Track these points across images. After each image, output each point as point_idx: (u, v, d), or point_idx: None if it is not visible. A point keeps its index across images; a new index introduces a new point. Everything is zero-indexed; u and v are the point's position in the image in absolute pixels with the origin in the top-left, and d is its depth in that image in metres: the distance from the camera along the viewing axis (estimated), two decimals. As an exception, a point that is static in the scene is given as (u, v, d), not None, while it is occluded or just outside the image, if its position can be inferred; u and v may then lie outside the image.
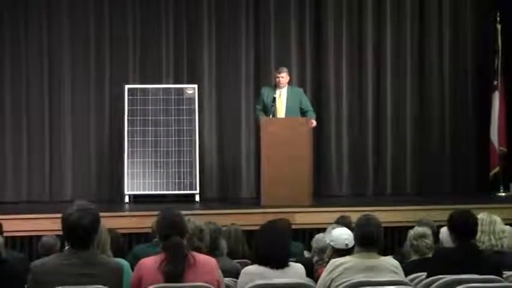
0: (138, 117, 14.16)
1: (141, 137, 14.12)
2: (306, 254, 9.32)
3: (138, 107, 14.17)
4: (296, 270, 6.49)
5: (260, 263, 6.30)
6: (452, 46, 15.63)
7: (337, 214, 10.05)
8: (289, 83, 13.44)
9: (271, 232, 6.57)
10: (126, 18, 15.57)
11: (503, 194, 13.98)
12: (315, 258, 8.54)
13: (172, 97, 14.21)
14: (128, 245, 9.54)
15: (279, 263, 6.18)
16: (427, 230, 8.24)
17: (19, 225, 10.82)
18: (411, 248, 8.16)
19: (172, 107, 14.09)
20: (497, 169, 14.40)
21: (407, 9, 15.53)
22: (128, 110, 14.08)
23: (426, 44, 15.58)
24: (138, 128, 14.08)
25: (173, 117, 14.10)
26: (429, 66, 15.56)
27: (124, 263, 6.55)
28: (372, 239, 6.45)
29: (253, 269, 6.42)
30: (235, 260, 7.61)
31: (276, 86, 13.18)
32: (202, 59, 15.23)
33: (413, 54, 15.55)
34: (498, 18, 14.81)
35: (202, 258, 6.03)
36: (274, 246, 6.37)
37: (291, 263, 6.64)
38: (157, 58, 15.38)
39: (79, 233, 5.51)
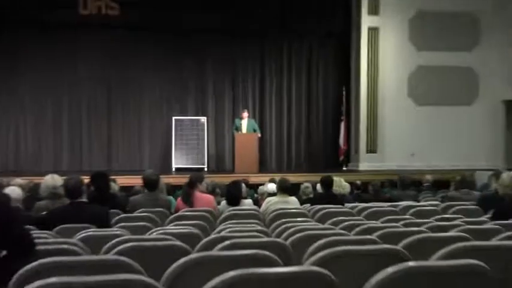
0: (185, 136, 15.54)
1: (193, 145, 15.54)
2: (255, 195, 10.29)
3: (184, 135, 15.48)
4: (246, 204, 7.24)
5: (227, 202, 7.05)
6: (315, 99, 17.12)
7: (269, 177, 11.11)
8: (248, 116, 14.94)
9: (230, 186, 7.31)
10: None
11: (345, 169, 15.65)
12: (259, 197, 9.75)
13: (199, 123, 15.73)
14: (174, 190, 9.78)
15: (234, 202, 6.91)
16: (308, 184, 9.50)
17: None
18: (302, 193, 9.26)
19: (195, 127, 15.59)
20: (342, 157, 16.25)
21: (293, 79, 17.03)
22: (176, 134, 15.37)
23: (302, 96, 17.05)
24: (183, 144, 15.55)
25: (196, 135, 15.60)
26: (305, 108, 17.09)
27: (171, 198, 7.41)
28: (287, 188, 7.56)
29: (222, 203, 7.26)
30: (223, 198, 7.89)
31: (241, 118, 14.85)
32: (207, 103, 16.60)
33: (298, 103, 17.05)
34: (344, 86, 16.60)
35: (206, 195, 6.94)
36: (231, 191, 7.14)
37: (243, 200, 7.34)
38: (186, 99, 16.46)
39: (152, 182, 6.67)
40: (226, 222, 5.06)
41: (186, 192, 6.85)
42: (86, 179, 5.89)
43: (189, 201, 6.67)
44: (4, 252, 3.01)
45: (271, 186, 9.25)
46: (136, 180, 10.13)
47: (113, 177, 8.17)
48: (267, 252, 2.64)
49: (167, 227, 4.67)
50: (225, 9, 15.51)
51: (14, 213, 3.18)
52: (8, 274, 2.48)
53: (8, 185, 6.77)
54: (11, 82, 15.44)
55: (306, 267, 2.56)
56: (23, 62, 15.45)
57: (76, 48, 15.51)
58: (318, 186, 8.77)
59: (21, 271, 2.46)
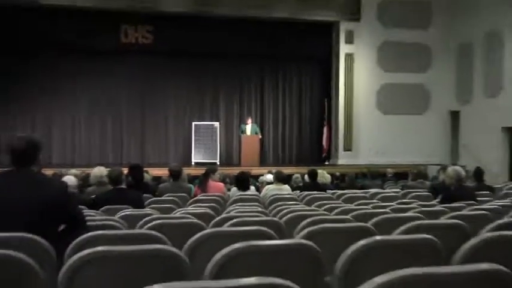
0: (202, 137, 15.32)
1: (208, 144, 15.30)
2: (257, 183, 10.10)
3: (201, 136, 15.33)
4: (252, 190, 7.20)
5: (237, 187, 6.93)
6: (304, 109, 16.94)
7: (267, 170, 11.26)
8: (251, 122, 14.99)
9: (239, 175, 7.12)
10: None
11: (327, 163, 15.45)
12: (259, 185, 9.67)
13: (213, 127, 15.47)
14: (192, 180, 9.24)
15: (244, 187, 6.68)
16: (298, 175, 9.56)
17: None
18: (293, 182, 9.29)
19: (210, 130, 15.35)
20: (324, 154, 16.12)
21: (286, 93, 16.86)
22: (195, 135, 15.20)
23: (293, 106, 16.87)
24: (201, 143, 15.27)
25: (210, 136, 15.33)
26: (295, 117, 16.91)
27: (191, 186, 7.17)
28: (282, 178, 7.37)
29: (233, 189, 7.21)
30: (232, 185, 7.88)
31: (246, 123, 14.92)
32: (220, 112, 16.46)
33: (290, 112, 16.86)
34: (326, 99, 16.41)
35: (217, 183, 6.90)
36: (240, 179, 6.89)
37: (251, 187, 7.28)
38: (203, 108, 16.28)
39: (176, 173, 6.54)
40: (234, 205, 5.02)
41: (202, 181, 6.78)
42: (125, 170, 5.89)
43: (204, 187, 6.58)
44: (62, 227, 3.01)
45: (269, 177, 9.25)
46: (164, 172, 9.98)
47: (146, 169, 8.10)
48: (265, 228, 2.63)
49: (188, 208, 4.63)
50: (234, 42, 15.57)
51: (70, 197, 3.18)
52: (65, 243, 2.48)
53: (66, 174, 6.85)
54: (69, 94, 15.54)
55: (296, 240, 2.56)
56: (79, 79, 15.57)
57: (119, 67, 15.52)
58: (306, 177, 8.71)
59: (75, 241, 2.47)
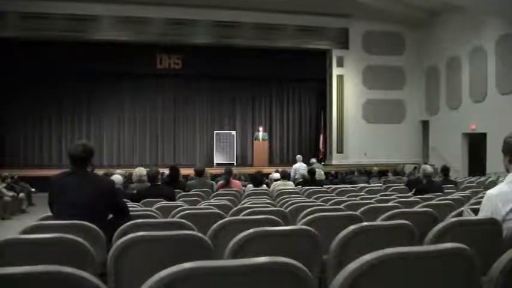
0: (222, 142, 15.28)
1: (227, 148, 15.25)
2: (266, 180, 9.50)
3: (221, 142, 15.31)
4: (264, 186, 6.90)
5: (252, 184, 6.86)
6: (304, 120, 16.79)
7: (275, 169, 10.79)
8: (262, 130, 15.09)
9: (254, 175, 7.04)
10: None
11: (323, 163, 14.90)
12: (269, 181, 9.26)
13: (231, 135, 15.35)
14: (214, 177, 9.16)
15: (258, 184, 6.60)
16: (305, 171, 9.10)
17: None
18: (295, 178, 9.41)
19: (228, 137, 15.30)
20: (321, 156, 15.86)
21: (290, 107, 16.76)
22: (216, 141, 15.18)
23: (296, 118, 16.76)
24: (221, 148, 15.22)
25: (229, 142, 15.33)
26: (297, 126, 16.75)
27: (213, 182, 7.12)
28: (287, 176, 7.45)
29: (249, 185, 7.10)
30: (247, 182, 7.92)
31: (258, 131, 14.93)
32: (236, 122, 16.38)
33: (293, 122, 16.72)
34: (322, 111, 16.34)
35: (237, 181, 6.78)
36: (256, 178, 6.83)
37: (263, 184, 7.03)
38: (222, 119, 16.21)
39: (200, 172, 6.27)
40: (248, 198, 4.94)
41: (227, 179, 6.55)
42: (165, 170, 5.89)
43: (227, 184, 6.45)
44: (111, 216, 3.01)
45: (276, 175, 8.99)
46: (191, 171, 9.85)
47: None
48: (274, 217, 2.60)
49: (210, 201, 4.56)
50: (247, 66, 15.58)
51: (117, 192, 3.17)
52: (113, 229, 2.49)
53: (113, 173, 6.85)
54: (116, 110, 15.80)
55: (298, 226, 2.53)
56: (125, 98, 15.84)
57: (155, 88, 15.81)
58: (306, 174, 8.60)
59: (121, 227, 2.47)
